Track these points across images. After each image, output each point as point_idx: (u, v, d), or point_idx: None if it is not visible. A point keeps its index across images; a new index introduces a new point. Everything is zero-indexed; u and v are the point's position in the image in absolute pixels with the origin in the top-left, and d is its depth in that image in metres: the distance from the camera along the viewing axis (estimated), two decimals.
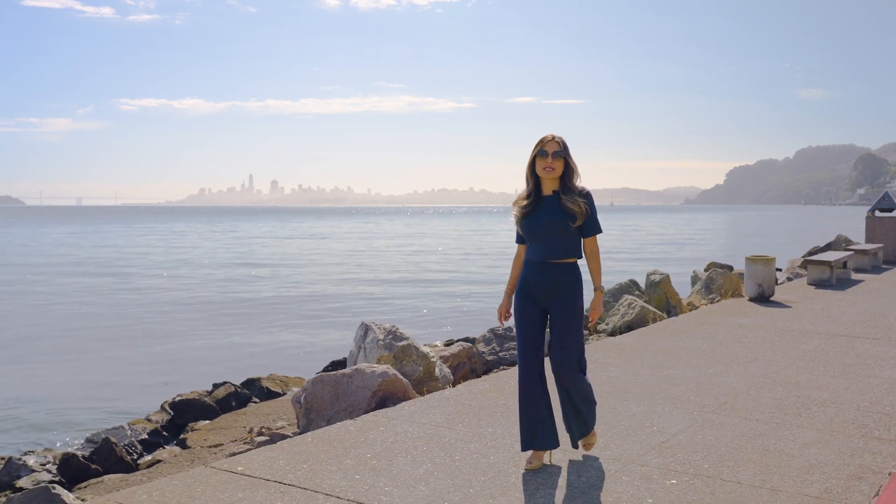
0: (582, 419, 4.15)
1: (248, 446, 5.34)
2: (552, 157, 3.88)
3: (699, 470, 4.12)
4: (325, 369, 11.84)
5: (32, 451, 8.01)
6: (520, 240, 4.11)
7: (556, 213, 3.89)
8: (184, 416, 9.39)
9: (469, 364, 7.00)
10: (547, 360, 4.05)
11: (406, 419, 5.04)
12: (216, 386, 10.51)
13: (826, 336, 8.14)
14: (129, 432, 8.89)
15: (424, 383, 5.94)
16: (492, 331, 7.67)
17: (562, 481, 3.95)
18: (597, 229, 3.98)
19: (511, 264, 4.21)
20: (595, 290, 4.01)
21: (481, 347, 7.38)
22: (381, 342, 6.04)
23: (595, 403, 4.20)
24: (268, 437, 5.34)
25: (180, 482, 3.95)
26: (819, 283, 12.50)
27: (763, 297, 10.63)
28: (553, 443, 4.07)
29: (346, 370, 5.57)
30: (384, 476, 4.01)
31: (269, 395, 10.34)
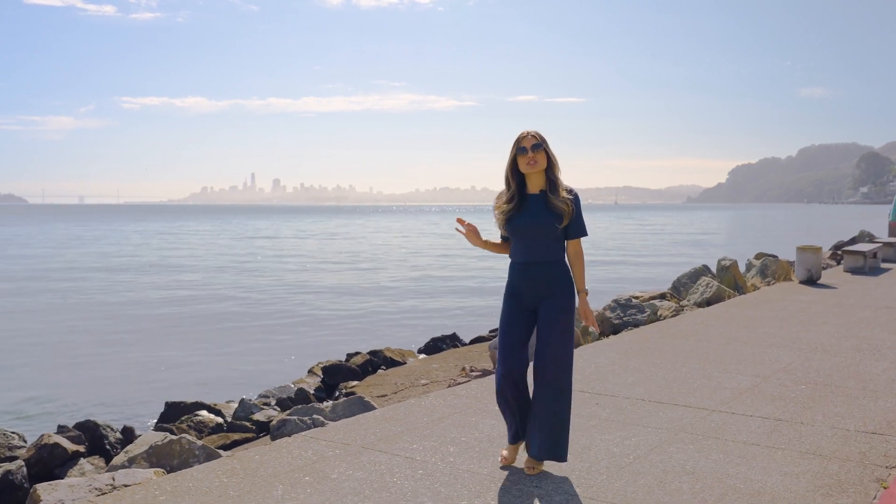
0: (553, 433, 3.84)
1: (466, 379, 7.27)
2: (532, 150, 3.78)
3: (817, 381, 6.04)
4: (427, 344, 13.88)
5: (231, 401, 9.95)
6: (504, 239, 4.07)
7: (543, 213, 3.81)
8: (334, 377, 11.33)
9: (602, 326, 9.03)
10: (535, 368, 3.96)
11: (593, 355, 6.97)
12: (350, 356, 12.48)
13: (875, 308, 10.06)
14: (296, 389, 10.87)
15: (580, 337, 7.89)
16: (615, 301, 9.61)
17: (732, 384, 5.86)
18: (582, 232, 3.87)
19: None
20: (579, 292, 3.92)
21: (608, 314, 9.34)
22: None
23: (568, 424, 3.89)
24: (479, 373, 7.26)
25: (464, 390, 5.86)
26: (854, 270, 14.43)
27: (812, 281, 12.55)
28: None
29: None
30: (609, 383, 5.95)
31: (392, 363, 12.30)
